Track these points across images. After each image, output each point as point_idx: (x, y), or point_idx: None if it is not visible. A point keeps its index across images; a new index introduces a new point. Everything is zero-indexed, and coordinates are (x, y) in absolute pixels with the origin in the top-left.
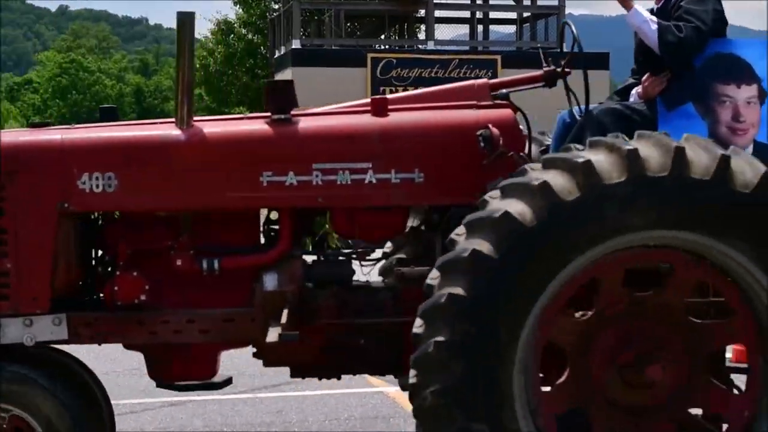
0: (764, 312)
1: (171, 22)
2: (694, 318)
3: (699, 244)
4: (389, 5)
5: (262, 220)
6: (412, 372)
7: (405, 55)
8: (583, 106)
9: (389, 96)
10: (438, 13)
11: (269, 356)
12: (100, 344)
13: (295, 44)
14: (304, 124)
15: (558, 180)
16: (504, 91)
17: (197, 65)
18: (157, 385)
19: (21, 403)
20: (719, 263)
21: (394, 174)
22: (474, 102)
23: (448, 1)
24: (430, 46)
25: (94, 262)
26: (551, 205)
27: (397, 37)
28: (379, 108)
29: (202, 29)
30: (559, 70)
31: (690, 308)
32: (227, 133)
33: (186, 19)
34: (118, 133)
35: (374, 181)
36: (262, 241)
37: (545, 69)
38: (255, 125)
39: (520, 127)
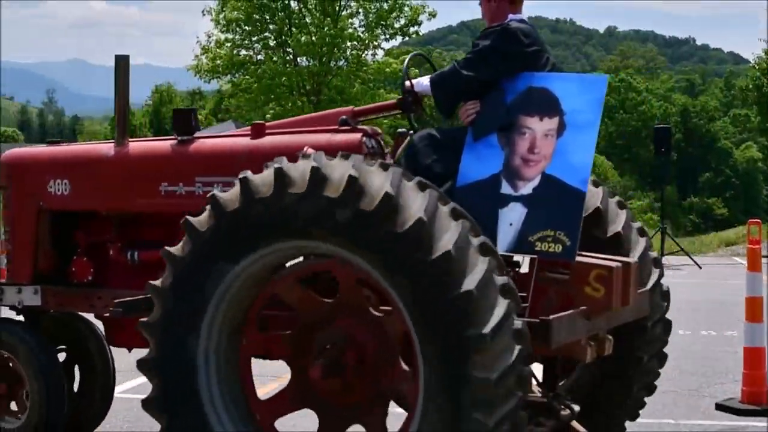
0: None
1: (717, 43)
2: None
3: (354, 258)
4: None
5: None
6: None
7: None
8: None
9: (269, 122)
10: None
11: None
12: (61, 312)
13: None
14: (195, 144)
15: (221, 198)
16: (344, 117)
17: (748, 86)
18: None
19: (11, 351)
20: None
21: None
22: (335, 127)
23: None
24: None
25: (63, 248)
26: (195, 237)
27: None
28: (257, 132)
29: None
30: (410, 98)
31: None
32: (142, 150)
33: (121, 61)
34: (74, 148)
35: None
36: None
37: (399, 98)
38: (163, 145)
39: (384, 149)
